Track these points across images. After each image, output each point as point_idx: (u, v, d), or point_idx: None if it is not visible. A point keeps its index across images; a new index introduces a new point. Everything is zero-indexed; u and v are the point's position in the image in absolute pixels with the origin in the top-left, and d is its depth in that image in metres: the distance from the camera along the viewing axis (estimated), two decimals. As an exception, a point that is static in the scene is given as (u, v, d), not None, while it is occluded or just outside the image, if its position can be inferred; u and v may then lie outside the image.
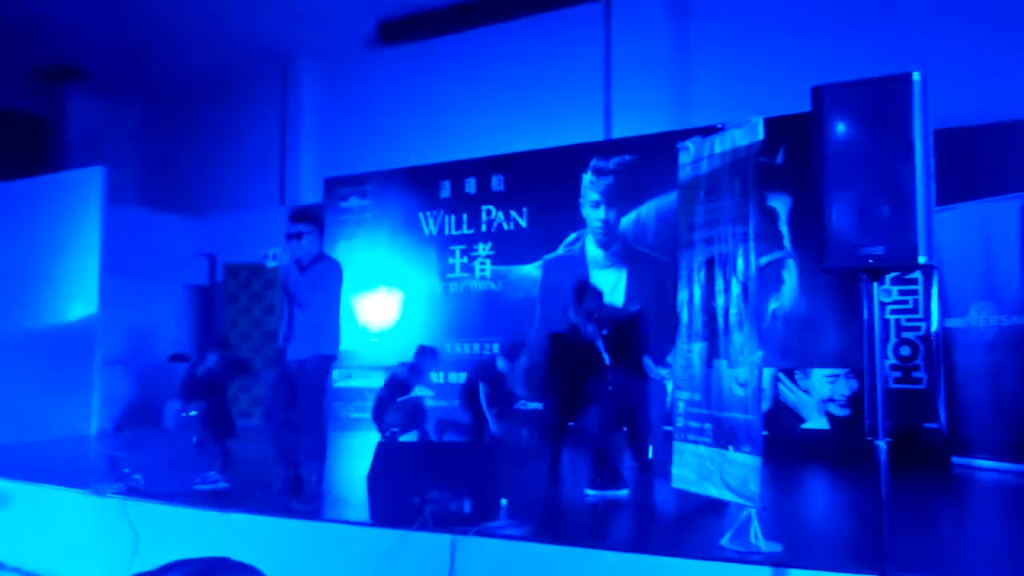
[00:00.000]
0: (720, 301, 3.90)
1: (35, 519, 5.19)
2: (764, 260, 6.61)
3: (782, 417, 6.61)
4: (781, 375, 6.75)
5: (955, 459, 5.80)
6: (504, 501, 4.22)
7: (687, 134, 4.58)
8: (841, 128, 2.81)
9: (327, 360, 4.83)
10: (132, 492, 4.89)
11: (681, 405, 4.14)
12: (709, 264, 3.97)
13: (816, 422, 6.69)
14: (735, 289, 3.83)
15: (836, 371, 6.60)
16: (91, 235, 8.64)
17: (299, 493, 4.69)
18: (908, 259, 2.63)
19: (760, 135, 3.65)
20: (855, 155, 2.76)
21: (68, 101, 12.37)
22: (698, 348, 4.02)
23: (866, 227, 2.69)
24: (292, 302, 4.88)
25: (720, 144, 3.92)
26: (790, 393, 6.76)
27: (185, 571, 0.80)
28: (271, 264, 5.00)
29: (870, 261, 2.66)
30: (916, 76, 2.75)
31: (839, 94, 2.85)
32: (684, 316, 4.13)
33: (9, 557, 5.17)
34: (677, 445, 4.13)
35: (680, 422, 4.13)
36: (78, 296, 8.65)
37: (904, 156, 2.69)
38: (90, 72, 11.67)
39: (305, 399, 4.73)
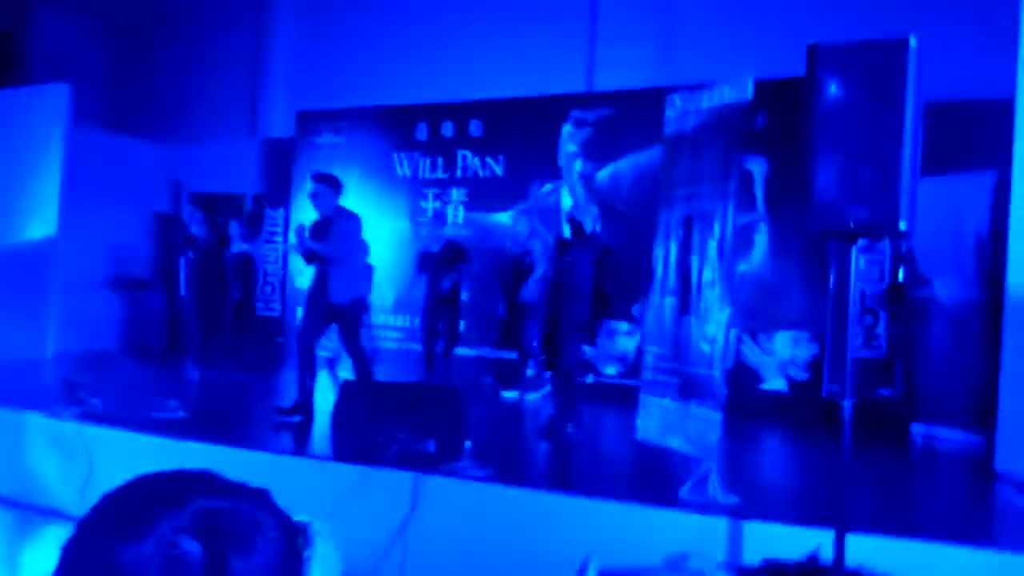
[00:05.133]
0: (695, 258, 3.92)
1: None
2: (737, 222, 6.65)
3: (742, 376, 6.72)
4: (744, 335, 6.85)
5: (912, 426, 5.98)
6: (468, 443, 4.27)
7: (670, 91, 4.54)
8: (833, 88, 2.80)
9: (362, 301, 5.77)
10: (89, 417, 4.83)
11: (650, 358, 4.19)
12: (688, 221, 3.98)
13: (775, 383, 6.82)
14: (711, 247, 3.85)
15: (799, 334, 6.72)
16: (53, 154, 8.36)
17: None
18: (890, 225, 2.65)
19: (749, 94, 3.64)
20: (846, 116, 2.75)
21: (34, 14, 11.84)
22: (669, 303, 4.05)
23: (851, 190, 2.69)
24: (318, 255, 5.55)
25: (708, 100, 3.90)
26: (752, 353, 6.88)
27: (161, 486, 0.77)
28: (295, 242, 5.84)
29: (852, 224, 2.67)
30: (913, 41, 2.74)
31: (834, 54, 2.83)
32: (659, 271, 4.15)
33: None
34: (644, 398, 4.19)
35: (648, 375, 4.18)
36: (37, 216, 8.40)
37: (895, 120, 2.69)
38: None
39: (349, 336, 5.58)
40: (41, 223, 8.39)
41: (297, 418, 5.31)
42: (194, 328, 7.90)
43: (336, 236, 5.47)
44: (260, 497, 0.84)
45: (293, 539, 0.83)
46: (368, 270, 5.93)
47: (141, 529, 0.74)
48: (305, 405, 5.37)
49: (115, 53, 12.54)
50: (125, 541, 0.74)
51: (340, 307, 5.45)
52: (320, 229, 5.57)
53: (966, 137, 6.10)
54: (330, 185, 5.59)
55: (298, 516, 1.13)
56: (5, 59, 11.84)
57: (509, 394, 7.13)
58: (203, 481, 0.83)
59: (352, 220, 5.63)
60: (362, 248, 5.79)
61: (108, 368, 5.25)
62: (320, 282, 5.54)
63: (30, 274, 8.30)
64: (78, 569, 0.75)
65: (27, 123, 8.62)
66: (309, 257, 5.61)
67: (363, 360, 5.60)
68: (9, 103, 8.80)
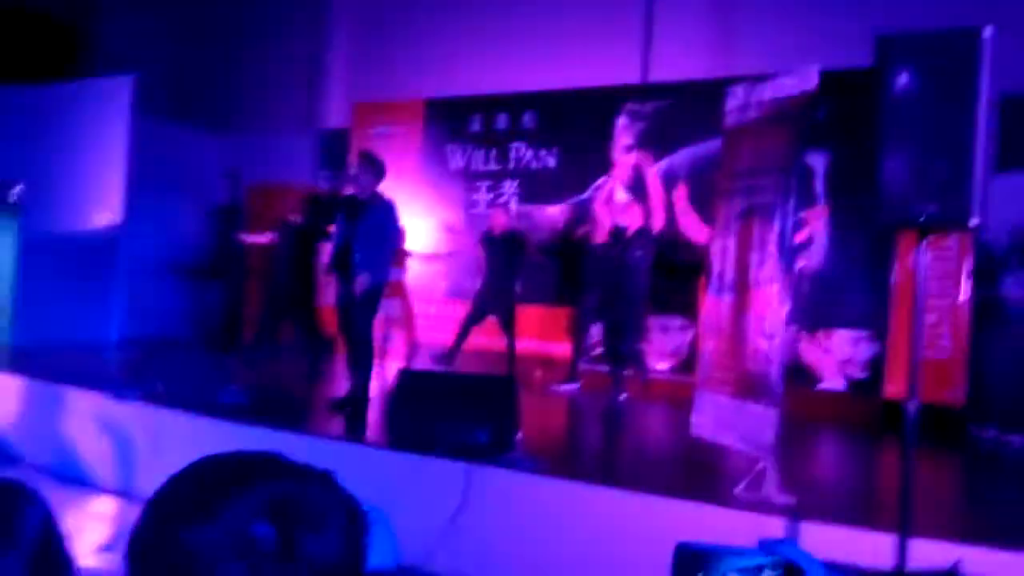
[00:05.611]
0: (754, 253, 3.85)
1: (57, 420, 5.29)
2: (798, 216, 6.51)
3: (800, 375, 6.59)
4: (802, 333, 6.72)
5: (975, 429, 5.79)
6: (519, 434, 4.27)
7: (727, 82, 4.46)
8: (902, 80, 2.72)
9: (378, 288, 5.37)
10: (154, 400, 4.96)
11: (706, 354, 4.14)
12: (747, 214, 3.91)
13: (833, 382, 6.68)
14: (770, 242, 3.77)
15: (858, 333, 6.56)
16: (118, 144, 8.61)
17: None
18: (961, 219, 2.57)
19: (813, 84, 3.55)
20: (915, 109, 2.67)
21: (99, 8, 12.19)
22: (728, 299, 3.99)
23: (921, 184, 2.62)
24: (349, 233, 5.36)
25: (771, 91, 3.82)
26: (810, 351, 6.75)
27: (229, 468, 0.77)
28: (323, 185, 5.49)
29: (922, 219, 2.59)
30: (987, 31, 2.64)
31: (904, 44, 2.75)
32: (717, 265, 4.09)
33: (31, 454, 5.29)
34: (699, 394, 4.14)
35: (704, 371, 4.12)
36: (104, 204, 8.67)
37: (966, 113, 2.61)
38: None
39: (361, 323, 5.33)
40: (108, 211, 8.65)
41: (348, 409, 5.31)
42: (272, 314, 7.53)
43: (367, 221, 5.29)
44: (326, 480, 0.84)
45: (358, 521, 0.84)
46: (388, 260, 5.60)
47: (212, 513, 0.75)
48: (355, 395, 5.39)
49: (177, 46, 12.81)
50: (197, 524, 0.75)
51: (357, 293, 5.27)
52: (353, 211, 5.39)
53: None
54: (372, 167, 5.43)
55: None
56: (73, 52, 12.21)
57: (562, 386, 7.13)
58: (270, 464, 0.84)
59: (386, 207, 5.41)
60: (392, 237, 5.63)
61: (171, 353, 5.38)
62: (339, 267, 5.42)
63: (97, 260, 8.57)
64: (150, 550, 0.76)
65: (94, 114, 8.89)
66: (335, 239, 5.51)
67: (368, 350, 5.39)
68: (77, 95, 9.08)
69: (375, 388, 5.69)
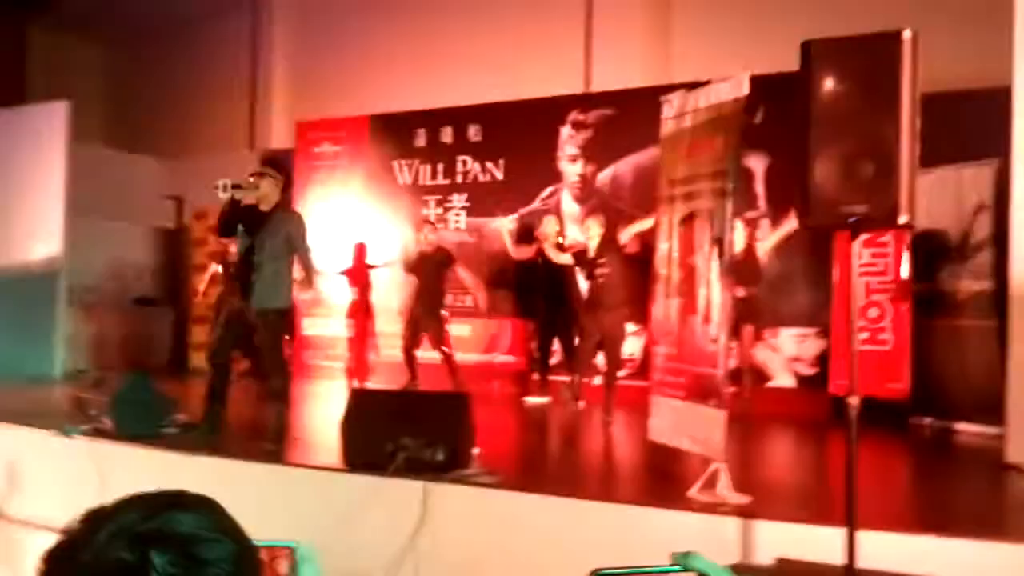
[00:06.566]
0: (697, 257, 3.91)
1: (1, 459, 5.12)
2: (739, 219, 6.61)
3: (749, 374, 6.70)
4: (751, 333, 6.83)
5: (918, 420, 5.95)
6: (476, 450, 4.26)
7: (668, 89, 4.54)
8: (828, 84, 2.79)
9: (285, 313, 5.09)
10: (99, 434, 4.84)
11: (659, 359, 4.18)
12: (688, 219, 3.97)
13: (782, 380, 6.80)
14: (712, 246, 3.84)
15: (804, 331, 6.70)
16: (55, 172, 8.39)
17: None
18: (890, 218, 2.64)
19: (745, 90, 3.63)
20: (841, 111, 2.75)
21: (29, 35, 11.90)
22: (675, 304, 4.04)
23: (849, 185, 2.68)
24: (249, 248, 4.92)
25: (704, 99, 3.89)
26: (759, 351, 6.86)
27: (139, 506, 0.79)
28: (222, 195, 5.08)
29: (852, 219, 2.66)
30: (906, 33, 2.73)
31: (828, 49, 2.82)
32: (663, 271, 4.14)
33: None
34: (655, 398, 4.18)
35: (657, 376, 4.17)
36: (42, 235, 8.43)
37: (891, 114, 2.68)
38: (52, 4, 11.21)
39: (270, 348, 4.98)
40: (46, 241, 8.42)
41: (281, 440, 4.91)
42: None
43: (269, 236, 4.86)
44: (220, 534, 0.84)
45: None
46: (290, 278, 5.04)
47: (94, 546, 0.79)
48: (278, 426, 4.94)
49: (111, 70, 12.57)
50: (84, 554, 0.78)
51: (260, 314, 4.83)
52: (253, 225, 4.91)
53: (968, 127, 6.05)
54: (273, 176, 5.01)
55: (286, 537, 1.13)
56: (5, 79, 11.89)
57: (530, 400, 7.18)
58: (167, 507, 0.84)
59: (289, 220, 5.01)
60: (299, 252, 5.00)
61: (116, 384, 5.25)
62: (240, 286, 4.96)
63: (37, 292, 8.34)
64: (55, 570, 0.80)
65: (28, 142, 8.66)
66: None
67: (282, 376, 5.03)
68: (9, 123, 8.84)
69: (333, 410, 5.60)
